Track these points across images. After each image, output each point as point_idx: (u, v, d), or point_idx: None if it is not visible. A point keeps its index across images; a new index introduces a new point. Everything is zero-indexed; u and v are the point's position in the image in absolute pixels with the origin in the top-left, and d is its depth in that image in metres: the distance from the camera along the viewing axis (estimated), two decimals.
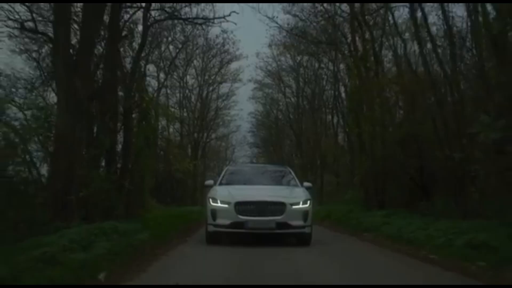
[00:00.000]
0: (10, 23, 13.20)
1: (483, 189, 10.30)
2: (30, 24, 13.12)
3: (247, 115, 42.12)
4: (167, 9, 15.87)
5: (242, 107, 40.01)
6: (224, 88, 38.06)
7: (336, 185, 28.39)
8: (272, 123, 42.24)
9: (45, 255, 5.41)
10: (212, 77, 36.80)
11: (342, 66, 25.60)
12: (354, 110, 17.95)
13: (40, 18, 13.31)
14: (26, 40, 15.06)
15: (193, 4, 17.55)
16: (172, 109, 31.30)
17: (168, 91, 33.12)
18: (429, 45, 13.66)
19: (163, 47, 27.24)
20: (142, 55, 17.88)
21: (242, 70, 36.01)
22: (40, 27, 13.42)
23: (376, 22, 18.08)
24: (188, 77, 35.57)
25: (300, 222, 9.67)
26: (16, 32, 13.96)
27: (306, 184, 11.11)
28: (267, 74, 36.64)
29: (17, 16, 13.03)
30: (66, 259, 5.55)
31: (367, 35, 17.31)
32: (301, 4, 20.41)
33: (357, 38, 18.15)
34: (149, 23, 16.03)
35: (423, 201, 13.33)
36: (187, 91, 36.14)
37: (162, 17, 16.82)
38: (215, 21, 17.37)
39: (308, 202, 9.96)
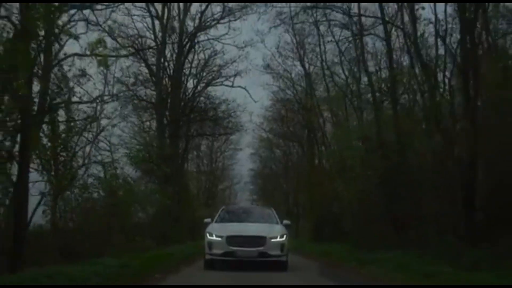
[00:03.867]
0: None
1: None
2: None
3: (248, 170, 52.91)
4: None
5: (243, 164, 51.42)
6: (229, 151, 50.38)
7: (307, 227, 40.21)
8: (267, 176, 52.63)
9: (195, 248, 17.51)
10: (219, 144, 48.78)
11: None
12: (306, 187, 30.36)
13: None
14: None
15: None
16: (192, 172, 43.52)
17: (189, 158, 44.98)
18: None
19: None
20: None
21: (242, 136, 45.08)
22: None
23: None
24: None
25: (277, 252, 11.68)
26: None
27: (285, 222, 13.17)
28: (261, 140, 47.03)
29: None
30: (198, 248, 17.34)
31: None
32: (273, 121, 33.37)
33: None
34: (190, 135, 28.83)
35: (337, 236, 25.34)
36: (200, 154, 48.15)
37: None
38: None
39: (285, 236, 11.96)
